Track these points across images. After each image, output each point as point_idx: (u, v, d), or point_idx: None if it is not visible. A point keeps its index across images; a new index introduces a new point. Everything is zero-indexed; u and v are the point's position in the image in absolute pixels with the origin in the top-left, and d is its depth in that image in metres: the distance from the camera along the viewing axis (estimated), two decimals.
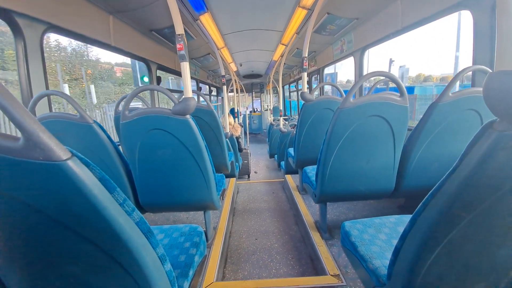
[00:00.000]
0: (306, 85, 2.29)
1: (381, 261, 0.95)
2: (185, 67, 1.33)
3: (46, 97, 1.72)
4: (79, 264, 0.61)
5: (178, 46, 1.27)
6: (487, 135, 0.51)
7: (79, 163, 0.48)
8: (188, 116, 1.34)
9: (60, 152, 0.46)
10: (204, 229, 1.85)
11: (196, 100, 1.42)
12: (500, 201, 0.54)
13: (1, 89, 0.42)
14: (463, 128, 1.42)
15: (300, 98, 3.89)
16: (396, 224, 1.18)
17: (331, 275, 1.46)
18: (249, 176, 4.49)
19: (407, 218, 1.23)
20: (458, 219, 0.58)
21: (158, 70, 3.38)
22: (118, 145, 1.64)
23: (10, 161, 0.45)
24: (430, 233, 0.63)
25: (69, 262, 0.61)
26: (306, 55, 2.24)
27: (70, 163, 0.47)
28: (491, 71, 1.34)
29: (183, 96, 1.33)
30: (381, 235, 1.11)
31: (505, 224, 0.58)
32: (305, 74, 2.28)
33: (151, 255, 0.66)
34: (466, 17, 1.67)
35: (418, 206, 0.67)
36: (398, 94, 1.37)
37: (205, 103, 2.43)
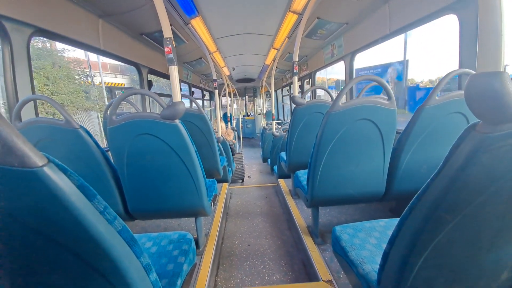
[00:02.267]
0: (297, 89, 2.30)
1: (371, 266, 0.94)
2: (174, 71, 1.31)
3: (32, 101, 1.68)
4: (60, 273, 0.59)
5: (166, 49, 1.26)
6: (470, 138, 0.51)
7: (56, 169, 0.46)
8: (177, 120, 1.32)
9: (36, 158, 0.44)
10: (195, 236, 1.82)
11: (186, 104, 1.40)
12: (486, 204, 0.54)
13: None
14: (450, 130, 1.44)
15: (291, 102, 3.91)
16: (386, 228, 1.18)
17: (324, 281, 1.44)
18: (243, 181, 4.47)
19: (396, 221, 1.23)
20: (444, 223, 0.57)
21: (149, 74, 3.35)
22: (107, 150, 1.60)
23: None
24: (417, 237, 0.62)
25: (50, 271, 0.58)
26: (297, 59, 2.25)
27: (46, 169, 0.45)
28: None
29: (172, 101, 1.31)
30: (371, 239, 1.11)
31: (493, 227, 0.58)
32: (296, 78, 2.29)
33: (135, 265, 0.63)
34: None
35: (405, 210, 0.66)
36: (386, 97, 1.39)
37: (196, 107, 2.42)
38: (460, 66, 1.63)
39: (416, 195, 0.63)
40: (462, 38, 1.60)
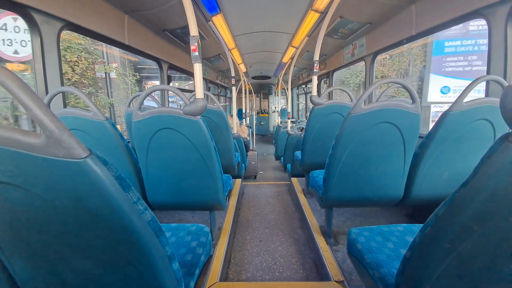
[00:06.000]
0: (316, 89, 2.28)
1: (388, 270, 0.94)
2: (198, 69, 1.34)
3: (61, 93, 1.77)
4: (90, 260, 0.63)
5: (192, 47, 1.29)
6: (503, 148, 0.51)
7: (97, 161, 0.50)
8: (198, 116, 1.35)
9: (80, 150, 0.47)
10: (209, 228, 1.87)
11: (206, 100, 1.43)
12: None
13: (24, 87, 0.43)
14: (475, 138, 1.40)
15: (309, 101, 3.88)
16: (404, 233, 1.17)
17: (335, 281, 1.45)
18: (255, 177, 4.50)
19: (415, 227, 1.21)
20: (470, 231, 0.57)
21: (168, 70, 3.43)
22: (128, 142, 1.66)
23: (30, 158, 0.47)
24: (441, 244, 0.62)
25: (81, 257, 0.62)
26: (318, 59, 2.23)
27: (89, 161, 0.48)
28: (505, 81, 1.30)
29: (195, 97, 1.35)
30: (388, 244, 1.10)
31: None
32: (315, 77, 2.27)
33: (161, 254, 0.67)
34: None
35: (430, 217, 0.66)
36: (410, 101, 1.36)
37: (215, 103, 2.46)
38: (488, 72, 1.57)
39: (443, 202, 0.62)
40: (491, 44, 1.54)
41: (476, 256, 0.60)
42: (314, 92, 2.25)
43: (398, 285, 0.79)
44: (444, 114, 1.36)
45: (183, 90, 5.09)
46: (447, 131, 1.38)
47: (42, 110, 0.44)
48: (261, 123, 10.98)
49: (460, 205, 0.58)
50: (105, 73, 6.12)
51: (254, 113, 9.14)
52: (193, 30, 1.28)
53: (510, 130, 0.52)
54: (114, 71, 6.47)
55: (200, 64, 1.34)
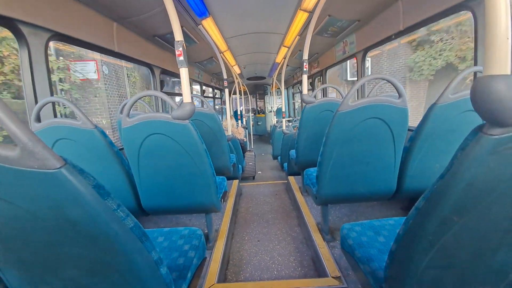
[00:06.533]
0: (306, 88, 2.29)
1: (379, 264, 0.95)
2: (184, 73, 1.35)
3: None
4: (77, 269, 0.63)
5: (177, 52, 1.30)
6: (476, 139, 0.51)
7: (73, 170, 0.50)
8: (187, 120, 1.36)
9: (54, 160, 0.48)
10: (206, 231, 1.87)
11: (197, 104, 1.43)
12: (493, 204, 0.53)
13: None
14: (465, 128, 1.40)
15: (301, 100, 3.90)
16: (395, 226, 1.18)
17: (333, 277, 1.46)
18: (254, 178, 4.51)
19: None
20: (451, 223, 0.58)
21: (161, 74, 3.43)
22: (121, 149, 1.67)
23: (7, 170, 0.47)
24: (423, 237, 0.63)
25: (67, 266, 0.63)
26: (307, 58, 2.24)
27: (64, 171, 0.49)
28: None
29: (182, 102, 1.36)
30: (379, 238, 1.11)
31: (500, 228, 0.57)
32: (305, 76, 2.28)
33: (146, 259, 0.67)
34: None
35: (411, 210, 0.67)
36: (397, 96, 1.37)
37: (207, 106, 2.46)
38: (475, 64, 1.58)
39: (422, 195, 0.63)
40: (477, 36, 1.56)
41: (461, 248, 0.61)
42: (305, 91, 2.26)
43: (387, 278, 0.80)
44: (431, 107, 1.37)
45: (180, 95, 5.10)
46: (435, 123, 1.39)
47: (15, 123, 0.44)
48: (258, 123, 10.99)
49: (439, 197, 0.58)
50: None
51: (250, 113, 9.13)
52: (178, 36, 1.29)
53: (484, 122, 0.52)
54: (56, 66, 4.86)
55: (186, 69, 1.35)
